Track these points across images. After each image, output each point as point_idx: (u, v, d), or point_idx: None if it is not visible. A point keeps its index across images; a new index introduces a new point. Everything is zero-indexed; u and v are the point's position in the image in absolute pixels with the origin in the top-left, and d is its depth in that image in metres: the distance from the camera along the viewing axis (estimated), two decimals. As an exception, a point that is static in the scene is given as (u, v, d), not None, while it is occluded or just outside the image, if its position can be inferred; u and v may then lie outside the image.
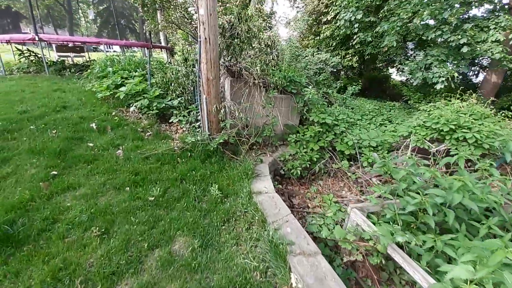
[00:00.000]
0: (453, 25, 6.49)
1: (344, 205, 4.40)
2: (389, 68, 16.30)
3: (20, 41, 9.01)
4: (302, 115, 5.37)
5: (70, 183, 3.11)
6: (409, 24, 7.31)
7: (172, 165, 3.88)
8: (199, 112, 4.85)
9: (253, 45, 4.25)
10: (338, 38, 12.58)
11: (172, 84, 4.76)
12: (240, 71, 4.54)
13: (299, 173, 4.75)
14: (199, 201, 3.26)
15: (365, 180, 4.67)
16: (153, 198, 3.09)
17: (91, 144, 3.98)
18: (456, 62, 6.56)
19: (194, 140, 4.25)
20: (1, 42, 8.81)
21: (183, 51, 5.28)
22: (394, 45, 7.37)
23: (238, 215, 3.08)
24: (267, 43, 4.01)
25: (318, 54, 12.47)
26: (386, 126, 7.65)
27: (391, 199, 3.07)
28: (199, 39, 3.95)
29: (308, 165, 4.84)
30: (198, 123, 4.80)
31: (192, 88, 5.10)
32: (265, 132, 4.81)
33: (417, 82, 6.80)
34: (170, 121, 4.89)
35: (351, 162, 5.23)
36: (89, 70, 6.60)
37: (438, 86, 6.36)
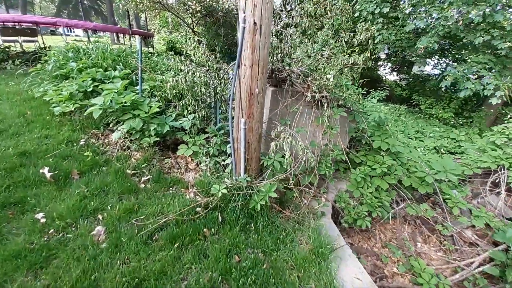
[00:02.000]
0: (507, 30, 5.40)
1: (437, 270, 3.09)
2: (378, 67, 15.44)
3: None
4: (359, 138, 3.89)
5: None
6: (448, 24, 6.10)
7: (198, 248, 2.17)
8: (227, 140, 3.12)
9: (318, 37, 2.60)
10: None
11: (184, 95, 2.92)
12: (290, 79, 2.87)
13: (369, 224, 3.32)
14: None
15: (456, 233, 3.40)
16: None
17: (41, 218, 2.08)
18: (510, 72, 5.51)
19: (226, 191, 2.56)
20: None
21: (188, 43, 3.42)
22: (436, 48, 6.14)
23: None
24: (362, 38, 2.36)
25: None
26: (423, 141, 6.56)
27: None
28: (241, 25, 2.20)
29: (378, 213, 3.43)
30: (223, 158, 3.07)
31: (210, 101, 3.32)
32: (322, 168, 3.25)
33: (466, 94, 5.66)
34: (178, 151, 3.08)
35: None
36: (39, 65, 4.34)
37: (494, 101, 5.26)
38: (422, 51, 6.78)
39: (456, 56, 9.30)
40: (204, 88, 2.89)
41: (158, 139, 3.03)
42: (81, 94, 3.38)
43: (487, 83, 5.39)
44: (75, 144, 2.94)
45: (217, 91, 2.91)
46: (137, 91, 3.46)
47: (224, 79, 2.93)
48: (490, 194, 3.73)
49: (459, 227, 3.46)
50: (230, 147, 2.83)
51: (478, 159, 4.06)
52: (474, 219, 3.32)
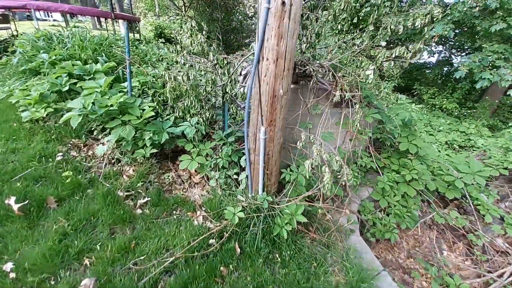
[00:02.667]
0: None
1: None
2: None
3: None
4: (383, 139, 3.45)
5: None
6: (464, 9, 5.59)
7: (216, 295, 1.71)
8: (240, 148, 2.60)
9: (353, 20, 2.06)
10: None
11: (185, 95, 2.33)
12: (316, 75, 2.34)
13: (397, 238, 2.97)
14: None
15: (487, 241, 3.11)
16: None
17: (10, 271, 1.54)
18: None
19: (243, 215, 2.09)
20: None
21: (184, 29, 2.79)
22: (452, 35, 5.67)
23: None
24: (417, 25, 1.79)
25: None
26: (433, 136, 6.23)
27: None
28: (264, 5, 1.64)
29: (407, 224, 3.07)
30: (235, 171, 2.56)
31: (215, 101, 2.76)
32: (349, 178, 2.81)
33: (483, 84, 5.28)
34: (180, 165, 2.53)
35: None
36: (5, 58, 3.54)
37: None
38: (436, 39, 6.28)
39: (457, 43, 8.89)
40: (211, 87, 2.32)
41: (155, 150, 2.46)
42: (55, 94, 2.72)
43: (503, 73, 5.02)
44: (50, 159, 2.33)
45: (226, 90, 2.35)
46: (125, 89, 2.84)
47: (234, 76, 2.36)
48: (519, 197, 3.46)
49: (490, 234, 3.17)
50: (245, 159, 2.32)
51: (503, 158, 3.75)
52: (507, 227, 3.03)
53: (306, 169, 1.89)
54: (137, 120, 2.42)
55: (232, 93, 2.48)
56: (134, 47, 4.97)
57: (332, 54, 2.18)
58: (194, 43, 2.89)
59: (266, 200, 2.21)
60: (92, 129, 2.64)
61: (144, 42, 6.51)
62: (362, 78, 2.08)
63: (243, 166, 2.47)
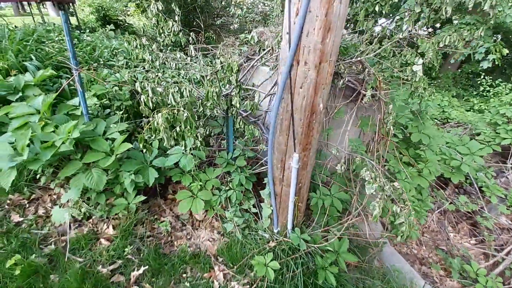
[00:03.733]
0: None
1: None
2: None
3: None
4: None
5: None
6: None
7: None
8: (255, 173, 2.03)
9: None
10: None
11: (190, 125, 1.60)
12: (349, 72, 1.82)
13: (419, 235, 2.83)
14: None
15: (494, 223, 3.16)
16: None
17: None
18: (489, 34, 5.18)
19: (277, 264, 1.61)
20: None
21: (149, 14, 2.00)
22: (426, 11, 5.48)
23: None
24: (485, 7, 1.31)
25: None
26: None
27: None
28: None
29: (425, 218, 2.93)
30: (252, 202, 2.01)
31: (211, 114, 2.09)
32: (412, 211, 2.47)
33: (457, 59, 5.27)
34: (179, 207, 1.88)
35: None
36: None
37: (485, 65, 5.00)
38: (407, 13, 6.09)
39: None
40: (212, 103, 1.64)
41: (143, 198, 1.77)
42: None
43: (477, 46, 5.07)
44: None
45: (232, 102, 1.70)
46: (77, 109, 1.96)
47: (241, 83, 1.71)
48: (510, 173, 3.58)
49: (494, 213, 3.25)
50: (268, 193, 1.77)
51: (493, 134, 3.82)
52: (513, 207, 3.08)
53: (377, 215, 1.44)
54: (107, 159, 1.65)
55: (241, 107, 1.83)
56: (76, 39, 3.76)
57: (366, 45, 1.66)
58: (163, 33, 2.15)
59: (302, 238, 1.74)
60: (37, 174, 1.80)
61: (87, 30, 5.11)
62: (408, 76, 1.63)
63: (261, 195, 1.93)
